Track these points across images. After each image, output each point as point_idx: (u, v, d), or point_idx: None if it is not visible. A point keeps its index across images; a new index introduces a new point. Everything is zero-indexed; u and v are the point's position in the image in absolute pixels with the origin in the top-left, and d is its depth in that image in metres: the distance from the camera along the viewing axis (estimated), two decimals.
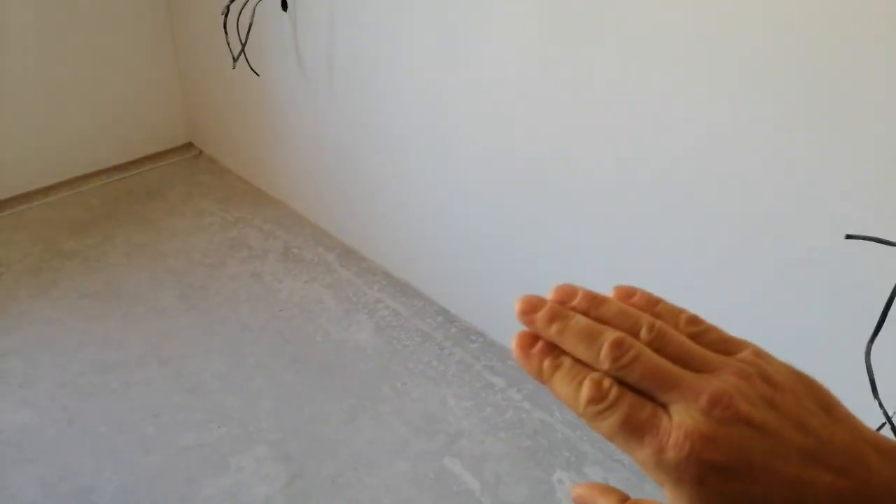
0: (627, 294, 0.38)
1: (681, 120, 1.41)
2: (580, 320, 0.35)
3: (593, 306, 0.36)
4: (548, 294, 0.36)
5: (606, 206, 1.64)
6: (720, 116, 1.35)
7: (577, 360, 0.34)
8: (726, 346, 0.35)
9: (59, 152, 2.74)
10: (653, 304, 0.37)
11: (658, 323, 0.35)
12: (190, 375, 1.97)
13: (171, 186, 2.86)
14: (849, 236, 1.11)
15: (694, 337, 0.35)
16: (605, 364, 0.33)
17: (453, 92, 1.86)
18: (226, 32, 2.34)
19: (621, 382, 0.32)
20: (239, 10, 2.27)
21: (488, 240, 1.98)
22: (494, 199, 1.90)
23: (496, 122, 1.79)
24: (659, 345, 0.34)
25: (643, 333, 0.34)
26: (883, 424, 1.13)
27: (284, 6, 2.22)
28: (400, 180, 2.17)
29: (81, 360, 2.00)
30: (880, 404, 1.10)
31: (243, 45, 2.34)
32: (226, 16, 2.32)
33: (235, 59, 2.38)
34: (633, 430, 0.31)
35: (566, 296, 0.36)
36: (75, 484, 1.66)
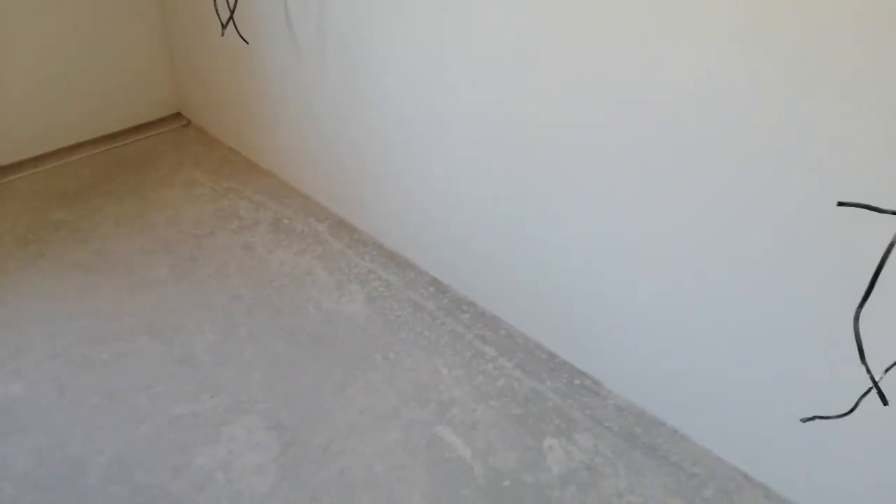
0: None
1: (676, 80, 1.39)
2: None
3: None
4: None
5: (600, 171, 1.62)
6: (717, 82, 1.33)
7: None
8: None
9: (47, 122, 2.71)
10: None
11: None
12: (181, 346, 1.97)
13: (161, 157, 2.84)
14: (840, 203, 1.11)
15: None
16: None
17: (446, 58, 1.83)
18: None
19: None
20: None
21: (480, 211, 1.97)
22: (486, 169, 1.88)
23: (489, 87, 1.76)
24: None
25: None
26: (869, 389, 1.14)
27: None
28: (392, 150, 2.15)
29: (72, 332, 2.00)
30: (867, 369, 1.10)
31: (232, 12, 2.29)
32: None
33: (224, 27, 2.34)
34: None
35: None
36: (68, 454, 1.67)
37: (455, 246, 2.12)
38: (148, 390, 1.83)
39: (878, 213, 1.08)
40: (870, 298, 1.09)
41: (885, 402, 1.10)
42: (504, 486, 1.64)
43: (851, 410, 1.19)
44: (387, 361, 1.95)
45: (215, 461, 1.67)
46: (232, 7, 2.29)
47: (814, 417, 1.26)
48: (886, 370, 1.13)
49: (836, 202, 1.12)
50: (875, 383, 1.10)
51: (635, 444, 1.73)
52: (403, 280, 2.25)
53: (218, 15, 2.32)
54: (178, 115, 3.09)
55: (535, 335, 2.03)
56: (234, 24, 2.34)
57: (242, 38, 2.38)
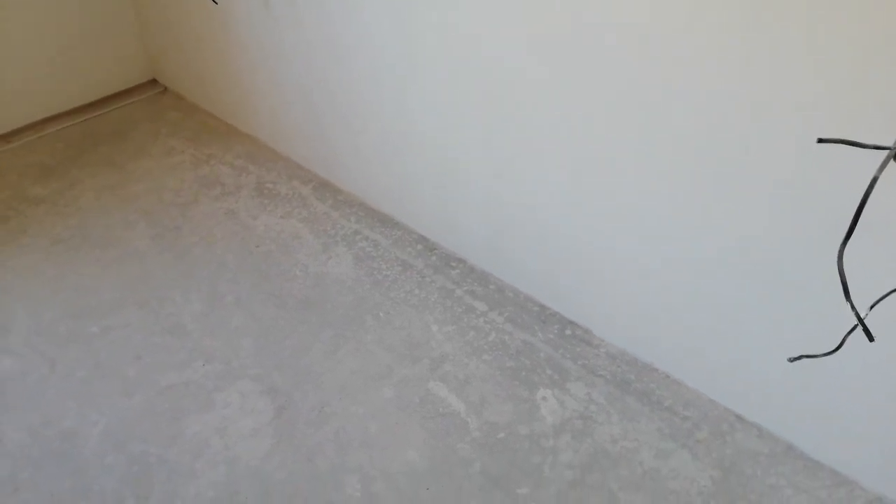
0: None
1: (645, 36, 1.36)
2: None
3: None
4: None
5: (584, 122, 1.60)
6: (690, 30, 1.30)
7: None
8: None
9: (17, 96, 2.64)
10: None
11: None
12: (168, 316, 1.96)
13: (138, 125, 2.78)
14: (821, 140, 1.09)
15: None
16: None
17: (423, 11, 1.78)
18: None
19: None
20: None
21: (465, 166, 1.94)
22: (470, 123, 1.85)
23: (467, 41, 1.72)
24: None
25: None
26: (855, 327, 1.14)
27: None
28: (372, 108, 2.10)
29: (57, 307, 1.98)
30: (852, 306, 1.10)
31: None
32: None
33: None
34: None
35: None
36: (61, 428, 1.67)
37: (441, 203, 2.10)
38: (138, 361, 1.83)
39: (860, 149, 1.07)
40: (853, 235, 1.08)
41: (870, 339, 1.10)
42: (499, 439, 1.65)
43: (838, 348, 1.19)
44: (377, 321, 1.95)
45: (210, 428, 1.67)
46: None
47: (801, 356, 1.26)
48: (871, 307, 1.13)
49: (816, 139, 1.10)
50: (860, 320, 1.10)
51: (628, 390, 1.74)
52: (391, 239, 2.23)
53: None
54: (153, 82, 3.02)
55: (525, 288, 2.03)
56: None
57: None
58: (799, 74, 1.20)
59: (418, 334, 1.91)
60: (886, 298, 1.13)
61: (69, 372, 1.80)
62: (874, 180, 1.02)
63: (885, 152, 1.03)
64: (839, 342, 1.19)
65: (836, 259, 1.10)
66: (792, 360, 1.28)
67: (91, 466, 1.59)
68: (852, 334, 1.16)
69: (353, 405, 1.73)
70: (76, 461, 1.60)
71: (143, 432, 1.66)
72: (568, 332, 1.92)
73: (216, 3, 2.34)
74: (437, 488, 1.55)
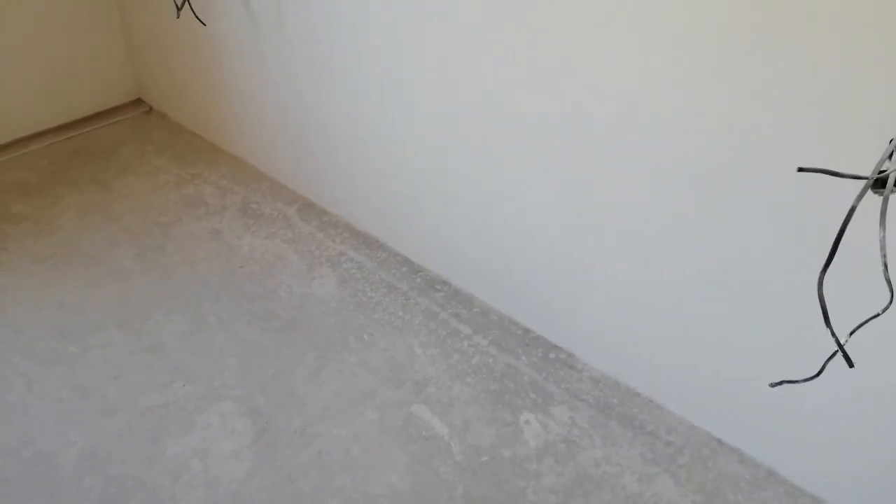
0: None
1: (632, 59, 1.39)
2: None
3: None
4: None
5: (567, 149, 1.62)
6: (672, 52, 1.33)
7: None
8: None
9: (1, 113, 2.62)
10: None
11: None
12: (150, 336, 1.94)
13: (123, 144, 2.77)
14: (801, 169, 1.11)
15: None
16: None
17: (408, 35, 1.80)
18: None
19: None
20: None
21: (451, 189, 1.95)
22: (455, 147, 1.87)
23: (453, 64, 1.74)
24: None
25: None
26: (835, 353, 1.15)
27: None
28: (358, 130, 2.12)
29: (38, 326, 1.95)
30: (832, 333, 1.12)
31: None
32: None
33: (179, 8, 2.29)
34: None
35: None
36: (38, 449, 1.64)
37: (427, 226, 2.11)
38: (117, 381, 1.80)
39: (839, 178, 1.09)
40: (833, 262, 1.10)
41: (850, 365, 1.12)
42: (482, 462, 1.64)
43: (818, 374, 1.21)
44: (361, 343, 1.94)
45: (190, 449, 1.65)
46: None
47: (782, 382, 1.28)
48: (851, 333, 1.15)
49: (796, 168, 1.13)
50: (840, 346, 1.12)
51: (611, 414, 1.75)
52: (375, 261, 2.24)
53: None
54: (138, 101, 3.02)
55: (509, 311, 2.04)
56: (190, 5, 2.28)
57: (199, 19, 2.32)
58: (784, 103, 1.23)
59: (402, 357, 1.91)
60: (866, 325, 1.15)
61: (48, 392, 1.77)
62: (852, 209, 1.05)
63: (863, 182, 1.06)
64: (819, 368, 1.20)
65: (816, 285, 1.12)
66: (773, 385, 1.29)
67: (68, 488, 1.56)
68: (833, 360, 1.18)
69: (335, 427, 1.71)
70: (53, 482, 1.57)
71: (122, 454, 1.63)
72: (552, 355, 1.92)
73: (204, 25, 2.35)
74: None
